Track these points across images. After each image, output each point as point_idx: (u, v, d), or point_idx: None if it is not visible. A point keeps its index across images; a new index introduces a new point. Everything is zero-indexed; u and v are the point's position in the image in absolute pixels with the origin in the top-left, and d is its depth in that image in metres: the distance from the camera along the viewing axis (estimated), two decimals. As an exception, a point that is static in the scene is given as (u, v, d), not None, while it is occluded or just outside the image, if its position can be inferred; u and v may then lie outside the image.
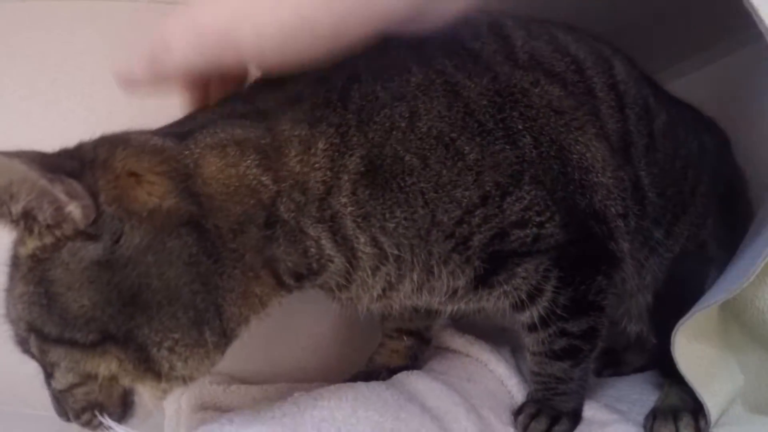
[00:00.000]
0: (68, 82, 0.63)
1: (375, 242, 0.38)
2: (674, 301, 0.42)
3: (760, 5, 0.32)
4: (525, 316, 0.41)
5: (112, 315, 0.34)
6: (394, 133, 0.37)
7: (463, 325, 0.55)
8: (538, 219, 0.38)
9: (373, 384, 0.40)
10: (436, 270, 0.39)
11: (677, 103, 0.51)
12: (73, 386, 0.36)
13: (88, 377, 0.36)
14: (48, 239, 0.34)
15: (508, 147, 0.38)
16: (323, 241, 0.37)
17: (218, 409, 0.47)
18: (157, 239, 0.34)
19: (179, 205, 0.35)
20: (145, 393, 0.36)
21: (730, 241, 0.45)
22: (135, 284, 0.34)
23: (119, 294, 0.33)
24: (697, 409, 0.41)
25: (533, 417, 0.44)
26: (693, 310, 0.39)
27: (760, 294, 0.39)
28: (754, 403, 0.42)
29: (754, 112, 0.53)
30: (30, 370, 0.42)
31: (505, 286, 0.40)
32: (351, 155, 0.37)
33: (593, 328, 0.42)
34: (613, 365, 0.55)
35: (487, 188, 0.38)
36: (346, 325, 0.57)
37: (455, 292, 0.41)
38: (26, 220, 0.34)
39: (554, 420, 0.43)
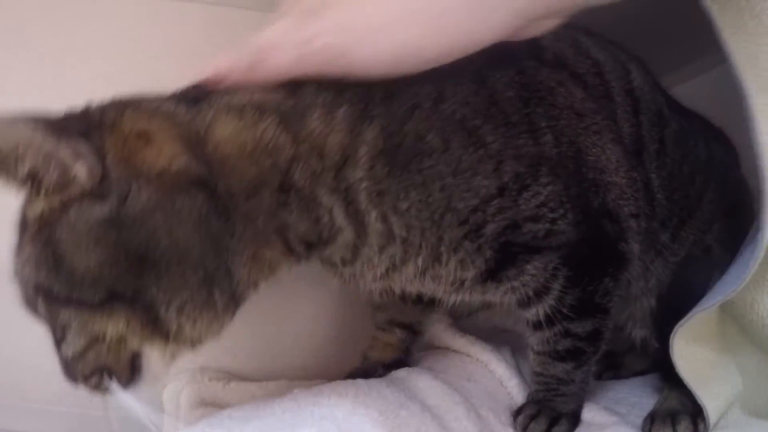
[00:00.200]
0: (72, 78, 0.63)
1: (385, 220, 0.38)
2: (677, 304, 0.42)
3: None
4: (530, 313, 0.42)
5: (119, 274, 0.34)
6: (418, 111, 0.37)
7: (464, 325, 0.56)
8: (551, 215, 0.39)
9: (374, 381, 0.40)
10: (444, 257, 0.40)
11: (687, 112, 0.52)
12: (83, 349, 0.36)
13: (97, 339, 0.36)
14: (55, 201, 0.34)
15: (530, 141, 0.39)
16: (335, 211, 0.38)
17: (217, 406, 0.48)
18: (166, 198, 0.34)
19: (189, 166, 0.35)
20: (153, 356, 0.37)
21: (735, 247, 0.46)
22: (143, 243, 0.34)
23: (127, 253, 0.34)
24: (695, 413, 0.42)
25: (533, 418, 0.44)
26: (691, 312, 0.39)
27: (759, 298, 0.40)
28: (752, 407, 0.42)
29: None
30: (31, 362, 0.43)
31: (514, 282, 0.40)
32: (371, 125, 0.37)
33: (597, 331, 0.43)
34: (613, 368, 0.56)
35: (506, 179, 0.38)
36: (346, 323, 0.58)
37: (462, 283, 0.41)
38: (33, 182, 0.34)
39: (553, 421, 0.44)
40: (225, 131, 0.36)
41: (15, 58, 0.65)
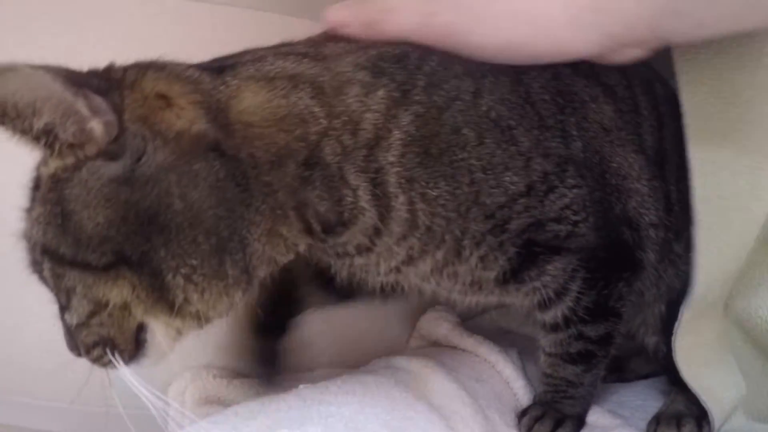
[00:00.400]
0: None
1: (411, 207, 0.38)
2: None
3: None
4: (549, 316, 0.43)
5: (127, 235, 0.33)
6: (457, 103, 0.38)
7: (470, 326, 0.56)
8: (574, 218, 0.40)
9: (382, 380, 0.41)
10: (466, 251, 0.40)
11: None
12: (87, 317, 0.36)
13: (101, 305, 0.35)
14: (70, 159, 0.34)
15: (561, 145, 0.40)
16: (361, 192, 0.37)
17: (222, 403, 0.48)
18: (182, 160, 0.34)
19: (208, 130, 0.35)
20: (158, 330, 0.36)
21: None
22: (154, 203, 0.33)
23: (136, 213, 0.33)
24: (700, 416, 0.43)
25: (537, 419, 0.45)
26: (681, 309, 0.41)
27: (763, 304, 0.41)
28: (755, 411, 0.43)
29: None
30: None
31: (535, 282, 0.41)
32: (407, 110, 0.37)
33: (609, 335, 0.44)
34: (618, 371, 0.56)
35: (534, 178, 0.39)
36: (350, 318, 0.58)
37: (481, 284, 0.42)
38: (48, 137, 0.33)
39: (558, 423, 0.45)
40: (252, 99, 0.36)
41: (18, 57, 0.65)
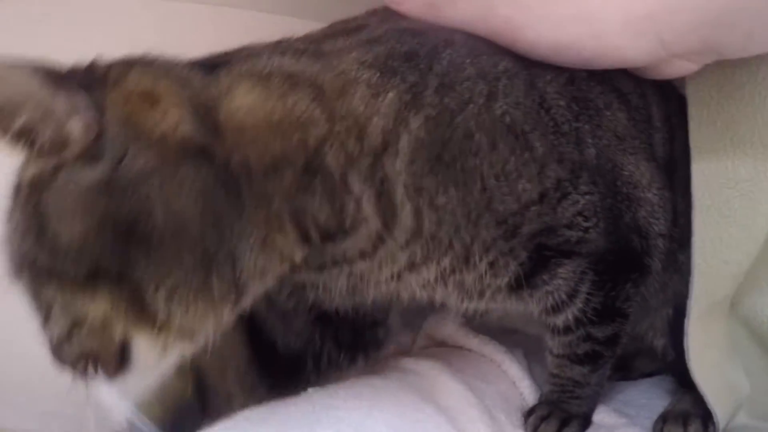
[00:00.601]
0: None
1: (419, 215, 0.37)
2: None
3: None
4: (560, 319, 0.43)
5: (105, 245, 0.32)
6: (471, 106, 0.37)
7: (475, 326, 0.57)
8: (585, 224, 0.40)
9: (390, 383, 0.42)
10: (475, 258, 0.39)
11: None
12: (67, 331, 0.34)
13: (80, 321, 0.34)
14: (48, 163, 0.32)
15: (575, 151, 0.40)
16: (364, 200, 0.36)
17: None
18: (166, 166, 0.32)
19: (196, 133, 0.33)
20: (143, 347, 0.35)
21: None
22: (134, 211, 0.31)
23: (115, 222, 0.31)
24: (706, 416, 0.44)
25: (544, 419, 0.46)
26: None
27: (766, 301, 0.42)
28: (758, 410, 0.45)
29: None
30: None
31: (548, 286, 0.41)
32: (417, 113, 0.36)
33: (616, 335, 0.45)
34: (622, 370, 0.57)
35: (548, 184, 0.39)
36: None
37: (492, 291, 0.41)
38: (26, 139, 0.32)
39: (564, 422, 0.46)
40: (245, 99, 0.34)
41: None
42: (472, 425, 0.39)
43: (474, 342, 0.54)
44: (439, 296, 0.43)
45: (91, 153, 0.31)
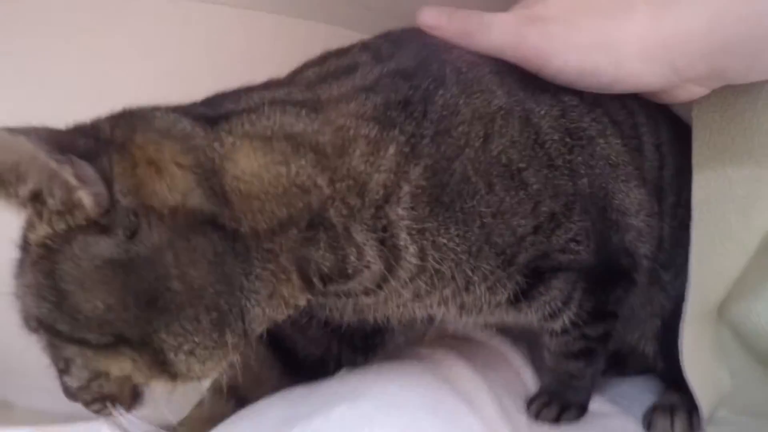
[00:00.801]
0: (104, 81, 0.66)
1: (423, 254, 0.39)
2: (677, 324, 0.48)
3: None
4: (557, 324, 0.47)
5: (126, 319, 0.33)
6: (467, 150, 0.39)
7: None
8: (577, 248, 0.44)
9: (408, 367, 0.46)
10: (474, 285, 0.41)
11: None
12: (87, 382, 0.36)
13: (101, 374, 0.36)
14: (59, 226, 0.33)
15: (569, 183, 0.43)
16: (367, 248, 0.38)
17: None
18: (179, 238, 0.33)
19: (204, 204, 0.34)
20: (156, 387, 0.38)
21: None
22: (153, 286, 0.33)
23: (135, 297, 0.33)
24: (691, 409, 0.49)
25: (545, 405, 0.51)
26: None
27: (755, 308, 0.46)
28: (738, 406, 0.49)
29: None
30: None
31: (545, 297, 0.44)
32: (416, 164, 0.37)
33: (607, 333, 0.50)
34: (617, 367, 0.62)
35: (542, 218, 0.41)
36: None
37: (490, 306, 0.44)
38: (35, 203, 0.33)
39: (563, 409, 0.51)
40: (249, 165, 0.35)
41: (44, 61, 0.67)
42: (485, 408, 0.44)
43: (481, 334, 0.59)
44: (439, 315, 0.46)
45: (103, 223, 0.32)
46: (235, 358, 0.37)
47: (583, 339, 0.48)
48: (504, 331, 0.60)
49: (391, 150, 0.37)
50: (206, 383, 0.46)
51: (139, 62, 0.68)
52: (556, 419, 0.50)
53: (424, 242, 0.39)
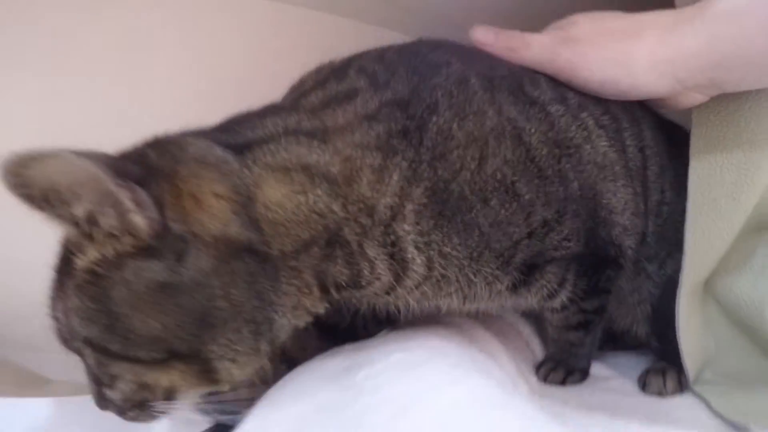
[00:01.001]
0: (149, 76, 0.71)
1: (430, 264, 0.44)
2: (666, 308, 0.54)
3: None
4: (556, 302, 0.53)
5: (179, 335, 0.36)
6: (463, 172, 0.43)
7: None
8: (568, 244, 0.48)
9: (440, 329, 0.51)
10: (475, 282, 0.46)
11: (679, 156, 0.59)
12: (131, 394, 0.39)
13: (147, 387, 0.39)
14: (109, 250, 0.35)
15: (560, 189, 0.47)
16: (378, 262, 0.42)
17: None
18: (222, 263, 0.37)
19: (242, 232, 0.38)
20: (195, 392, 0.40)
21: None
22: (201, 305, 0.36)
23: (186, 315, 0.36)
24: (679, 371, 0.54)
25: (552, 370, 0.57)
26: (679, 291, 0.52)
27: (736, 283, 0.53)
28: (719, 370, 0.55)
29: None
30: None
31: (542, 281, 0.50)
32: (417, 186, 0.42)
33: (602, 306, 0.56)
34: (612, 342, 0.67)
35: (535, 225, 0.46)
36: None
37: (492, 294, 0.48)
38: (88, 225, 0.35)
39: (568, 373, 0.57)
40: (274, 194, 0.39)
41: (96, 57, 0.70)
42: (507, 366, 0.50)
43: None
44: (444, 306, 0.50)
45: (154, 247, 0.35)
46: (264, 363, 0.41)
47: (580, 313, 0.55)
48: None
49: (395, 177, 0.42)
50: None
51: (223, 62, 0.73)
52: (563, 382, 0.56)
53: (431, 252, 0.43)
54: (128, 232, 0.35)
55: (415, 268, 0.44)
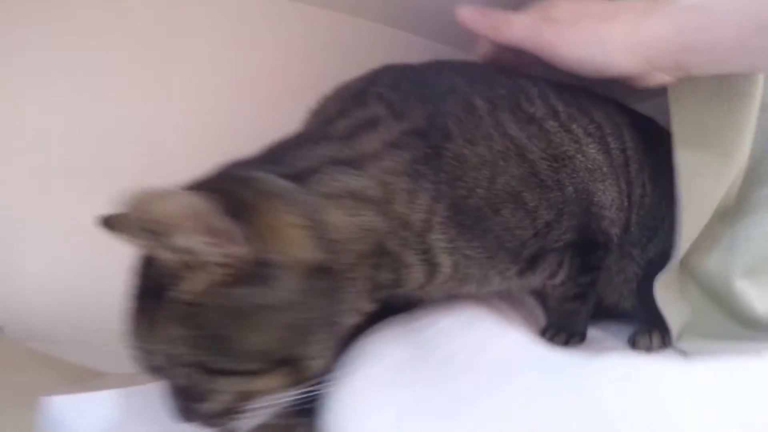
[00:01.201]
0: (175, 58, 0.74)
1: (456, 265, 0.52)
2: (649, 285, 0.62)
3: None
4: (557, 279, 0.62)
5: (278, 346, 0.42)
6: (478, 190, 0.51)
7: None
8: (565, 237, 0.58)
9: (465, 301, 0.60)
10: (489, 275, 0.56)
11: (654, 138, 0.69)
12: (227, 405, 0.44)
13: (244, 395, 0.44)
14: (210, 279, 0.40)
15: (559, 194, 0.55)
16: (415, 266, 0.51)
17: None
18: (306, 282, 0.43)
19: (315, 254, 0.44)
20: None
21: None
22: (295, 319, 0.43)
23: (283, 329, 0.42)
24: (663, 332, 0.62)
25: (555, 334, 0.66)
26: (665, 268, 0.61)
27: (705, 258, 0.63)
28: (696, 331, 0.62)
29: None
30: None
31: (543, 265, 0.59)
32: (441, 202, 0.50)
33: (594, 279, 0.66)
34: (603, 314, 0.75)
35: (539, 227, 0.55)
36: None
37: (501, 281, 0.57)
38: (188, 256, 0.39)
39: (569, 337, 0.66)
40: (334, 219, 0.46)
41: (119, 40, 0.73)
42: (522, 328, 0.59)
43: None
44: (464, 292, 0.58)
45: (249, 274, 0.41)
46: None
47: (576, 286, 0.64)
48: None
49: (423, 196, 0.50)
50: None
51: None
52: (566, 343, 0.66)
53: (457, 256, 0.52)
54: (227, 263, 0.40)
55: (443, 269, 0.52)
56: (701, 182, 0.56)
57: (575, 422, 0.40)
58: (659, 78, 0.54)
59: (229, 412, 0.44)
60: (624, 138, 0.64)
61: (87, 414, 0.50)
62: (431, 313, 0.54)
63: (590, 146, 0.59)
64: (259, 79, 0.77)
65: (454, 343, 0.47)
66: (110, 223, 0.45)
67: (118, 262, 0.49)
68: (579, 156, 0.58)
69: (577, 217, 0.58)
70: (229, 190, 0.43)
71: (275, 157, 0.50)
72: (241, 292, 0.41)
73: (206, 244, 0.39)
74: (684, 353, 0.59)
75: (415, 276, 0.52)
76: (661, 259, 0.66)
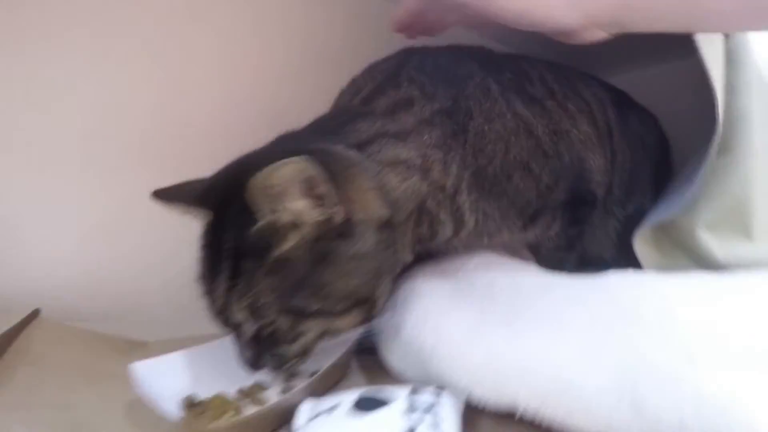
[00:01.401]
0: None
1: (477, 220, 0.63)
2: (628, 237, 0.70)
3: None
4: (552, 231, 0.72)
5: (362, 288, 0.51)
6: (495, 160, 0.62)
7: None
8: (561, 197, 0.69)
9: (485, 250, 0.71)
10: (501, 230, 0.66)
11: (630, 112, 0.81)
12: (309, 344, 0.52)
13: (326, 333, 0.52)
14: (309, 236, 0.47)
15: (558, 163, 0.66)
16: (447, 222, 0.61)
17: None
18: (380, 236, 0.52)
19: (385, 212, 0.53)
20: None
21: (660, 193, 0.80)
22: (373, 265, 0.51)
23: (366, 274, 0.51)
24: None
25: None
26: (643, 223, 0.71)
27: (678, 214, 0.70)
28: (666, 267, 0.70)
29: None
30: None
31: (541, 220, 0.70)
32: (466, 170, 0.60)
33: (581, 231, 0.77)
34: (586, 266, 0.85)
35: (542, 188, 0.66)
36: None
37: (509, 234, 0.67)
38: (296, 217, 0.47)
39: None
40: (392, 182, 0.55)
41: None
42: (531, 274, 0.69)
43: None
44: (478, 245, 0.68)
45: (343, 231, 0.49)
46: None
47: (566, 237, 0.75)
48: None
49: (453, 167, 0.60)
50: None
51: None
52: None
53: (478, 213, 0.62)
54: (325, 221, 0.48)
55: (467, 225, 0.63)
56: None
57: (605, 315, 0.49)
58: (595, 34, 0.55)
59: (305, 353, 0.52)
60: (607, 113, 0.75)
61: (171, 373, 0.56)
62: (457, 259, 0.66)
63: (582, 121, 0.70)
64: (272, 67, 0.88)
65: (487, 275, 0.60)
66: (159, 195, 0.55)
67: (141, 240, 0.62)
68: (574, 130, 0.69)
69: (570, 180, 0.68)
70: (328, 162, 0.49)
71: (331, 131, 0.57)
72: (336, 245, 0.49)
73: (313, 206, 0.47)
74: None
75: (446, 231, 0.62)
76: (637, 215, 0.77)
